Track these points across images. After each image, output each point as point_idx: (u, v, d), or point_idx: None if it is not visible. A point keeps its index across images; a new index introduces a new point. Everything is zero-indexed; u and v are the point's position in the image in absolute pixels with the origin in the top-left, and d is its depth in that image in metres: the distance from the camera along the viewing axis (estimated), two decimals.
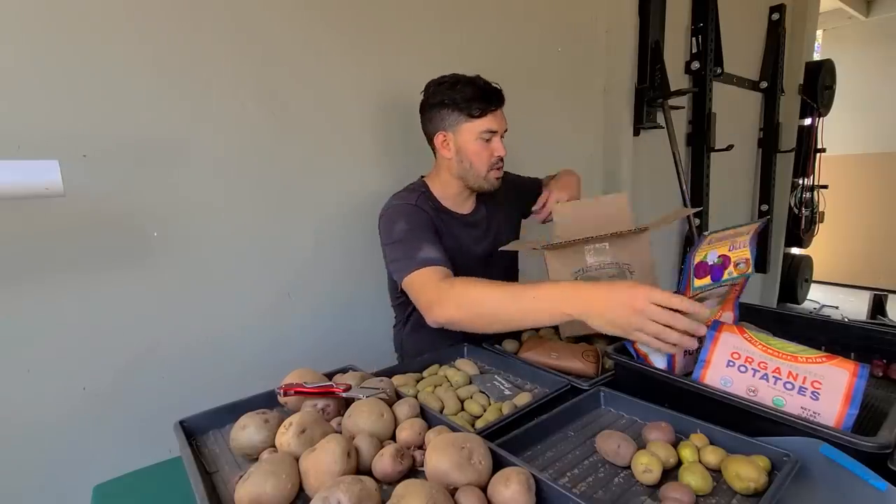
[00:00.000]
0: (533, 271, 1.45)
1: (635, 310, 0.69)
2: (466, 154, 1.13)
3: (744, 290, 0.85)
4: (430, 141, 1.19)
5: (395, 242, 1.05)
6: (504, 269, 1.31)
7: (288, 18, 1.18)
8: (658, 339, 0.69)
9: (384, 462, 0.59)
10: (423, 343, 1.22)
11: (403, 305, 1.26)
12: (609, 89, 2.10)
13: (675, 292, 0.73)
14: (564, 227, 1.07)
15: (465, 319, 0.88)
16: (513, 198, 1.32)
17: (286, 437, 0.62)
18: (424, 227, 1.07)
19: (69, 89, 0.93)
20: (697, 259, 0.74)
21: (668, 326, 0.68)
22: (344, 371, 0.86)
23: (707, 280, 0.76)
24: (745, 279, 0.82)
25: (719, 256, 0.77)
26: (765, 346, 0.71)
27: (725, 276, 0.78)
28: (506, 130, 1.16)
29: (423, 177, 1.25)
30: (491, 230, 1.26)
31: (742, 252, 0.80)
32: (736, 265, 0.80)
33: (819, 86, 3.39)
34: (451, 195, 1.21)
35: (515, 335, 1.09)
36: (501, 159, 1.16)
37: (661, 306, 0.68)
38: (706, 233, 0.72)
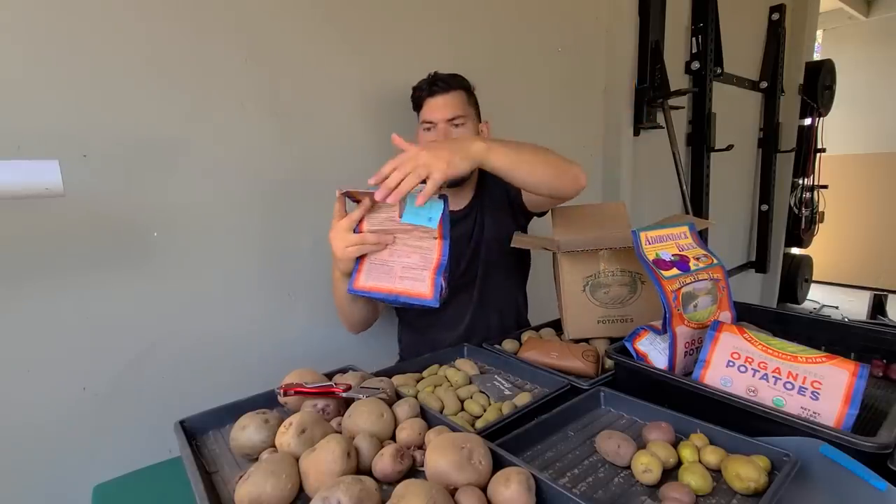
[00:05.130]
0: (539, 270, 1.45)
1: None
2: None
3: (731, 287, 0.86)
4: None
5: None
6: (508, 259, 1.25)
7: (290, 18, 1.18)
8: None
9: (384, 462, 0.59)
10: (417, 333, 1.28)
11: None
12: (609, 89, 2.10)
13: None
14: (564, 230, 1.07)
15: None
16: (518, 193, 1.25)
17: (286, 437, 0.62)
18: None
19: (69, 89, 0.92)
20: (651, 257, 0.80)
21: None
22: (344, 371, 0.86)
23: (675, 271, 0.79)
24: (723, 269, 0.84)
25: (673, 255, 0.82)
26: (765, 346, 0.71)
27: (693, 267, 0.81)
28: (454, 118, 1.11)
29: None
30: (484, 224, 1.22)
31: (695, 251, 0.84)
32: (697, 259, 0.82)
33: (819, 86, 3.39)
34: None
35: (515, 335, 1.09)
36: None
37: None
38: (635, 230, 0.82)
